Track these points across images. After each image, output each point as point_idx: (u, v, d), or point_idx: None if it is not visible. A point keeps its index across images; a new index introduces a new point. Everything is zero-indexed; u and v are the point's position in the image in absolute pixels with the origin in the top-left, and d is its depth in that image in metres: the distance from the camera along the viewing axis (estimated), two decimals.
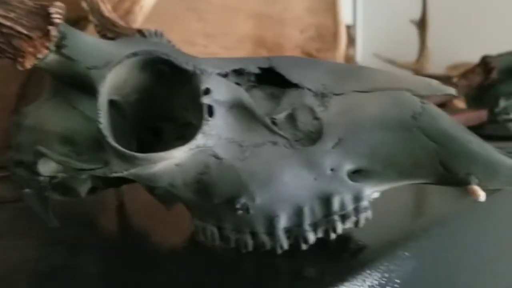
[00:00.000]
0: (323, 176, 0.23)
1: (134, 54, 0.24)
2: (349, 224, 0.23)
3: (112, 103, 0.26)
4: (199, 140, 0.23)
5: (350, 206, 0.23)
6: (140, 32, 0.34)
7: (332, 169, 0.23)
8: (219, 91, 0.23)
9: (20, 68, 0.25)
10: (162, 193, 0.25)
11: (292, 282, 0.22)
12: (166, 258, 0.26)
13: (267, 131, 0.23)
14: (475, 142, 0.22)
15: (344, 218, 0.23)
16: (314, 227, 0.23)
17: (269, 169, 0.23)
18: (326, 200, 0.23)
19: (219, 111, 0.23)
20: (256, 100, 0.24)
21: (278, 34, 0.77)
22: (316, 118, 0.23)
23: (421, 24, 0.95)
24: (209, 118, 0.23)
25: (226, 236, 0.23)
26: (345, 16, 1.15)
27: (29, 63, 0.24)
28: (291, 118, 0.24)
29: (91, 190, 0.29)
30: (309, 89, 0.24)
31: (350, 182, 0.23)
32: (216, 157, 0.23)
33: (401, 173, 0.23)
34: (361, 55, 1.17)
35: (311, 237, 0.23)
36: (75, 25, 0.55)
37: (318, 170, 0.23)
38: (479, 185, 0.22)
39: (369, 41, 1.17)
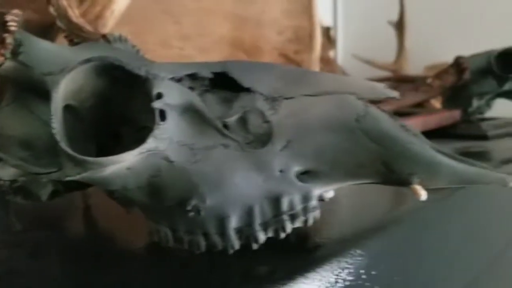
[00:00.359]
0: (272, 178, 0.23)
1: (87, 61, 0.24)
2: (298, 224, 0.24)
3: (69, 108, 0.26)
4: (150, 143, 0.23)
5: (298, 206, 0.23)
6: (104, 37, 0.34)
7: (281, 171, 0.23)
8: (171, 96, 0.24)
9: None
10: (119, 197, 0.25)
11: (244, 281, 0.23)
12: (126, 259, 0.26)
13: (218, 134, 0.24)
14: (416, 143, 0.23)
15: (293, 217, 0.23)
16: (264, 226, 0.23)
17: (219, 171, 0.23)
18: (275, 201, 0.23)
19: (171, 115, 0.24)
20: (209, 104, 0.25)
21: (255, 36, 0.77)
22: (266, 121, 0.24)
23: (399, 25, 0.96)
24: (161, 122, 0.24)
25: (179, 238, 0.24)
26: (325, 17, 1.16)
27: None
28: (242, 122, 0.24)
29: (53, 193, 0.30)
30: (261, 93, 0.25)
31: (299, 183, 0.23)
32: (168, 160, 0.23)
33: (346, 173, 0.23)
34: (342, 56, 1.18)
35: (261, 237, 0.23)
36: (49, 29, 0.55)
37: (267, 171, 0.23)
38: (420, 184, 0.23)
39: (349, 42, 1.18)
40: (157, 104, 0.23)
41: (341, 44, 1.19)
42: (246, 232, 0.23)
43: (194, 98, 0.24)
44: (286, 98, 0.24)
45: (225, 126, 0.24)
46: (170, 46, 0.68)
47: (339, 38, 1.20)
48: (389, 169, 0.23)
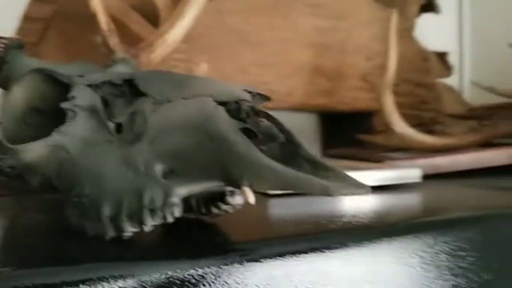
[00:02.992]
0: (138, 173, 0.25)
1: (31, 72, 0.30)
2: (157, 219, 0.25)
3: (38, 111, 0.32)
4: (55, 137, 0.27)
5: (159, 202, 0.25)
6: (112, 58, 0.41)
7: (145, 167, 0.25)
8: (81, 98, 0.28)
9: None
10: (45, 184, 0.30)
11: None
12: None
13: (107, 132, 0.27)
14: (243, 145, 0.22)
15: (152, 212, 0.25)
16: (130, 218, 0.25)
17: (99, 164, 0.26)
18: (139, 195, 0.25)
19: (80, 115, 0.28)
20: (118, 106, 0.28)
21: (339, 62, 0.77)
22: (145, 122, 0.26)
23: None
24: (69, 120, 0.28)
25: (75, 224, 0.27)
26: (449, 43, 1.08)
27: None
28: (131, 121, 0.27)
29: None
30: (153, 97, 0.27)
31: (161, 180, 0.25)
32: (67, 152, 0.27)
33: (201, 174, 0.24)
34: (464, 82, 1.07)
35: (128, 228, 0.25)
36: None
37: (134, 166, 0.25)
38: (250, 187, 0.22)
39: (475, 69, 1.07)
40: (64, 105, 0.28)
41: (467, 71, 1.08)
42: (116, 221, 0.25)
43: (97, 101, 0.28)
44: (169, 101, 0.26)
45: (119, 125, 0.27)
46: (247, 73, 0.72)
47: (465, 64, 1.09)
48: (226, 170, 0.23)
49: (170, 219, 0.25)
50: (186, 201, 0.31)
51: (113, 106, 0.28)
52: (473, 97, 0.97)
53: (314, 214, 0.35)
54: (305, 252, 0.27)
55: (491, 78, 0.91)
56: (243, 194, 0.22)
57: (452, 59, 1.00)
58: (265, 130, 0.24)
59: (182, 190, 0.25)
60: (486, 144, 0.64)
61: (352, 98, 0.79)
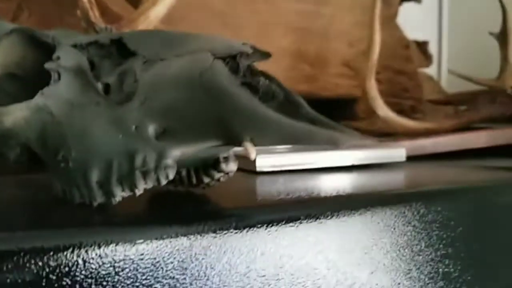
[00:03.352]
0: (128, 134, 0.24)
1: (7, 33, 0.28)
2: (150, 182, 0.24)
3: (15, 77, 0.30)
4: (38, 99, 0.26)
5: (151, 164, 0.23)
6: (94, 28, 0.39)
7: (136, 127, 0.24)
8: (66, 59, 0.26)
9: None
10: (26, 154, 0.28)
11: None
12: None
13: (95, 93, 0.25)
14: (244, 97, 0.21)
15: (145, 174, 0.23)
16: (120, 181, 0.24)
17: (86, 126, 0.25)
18: (130, 156, 0.24)
19: (64, 76, 0.26)
20: (106, 67, 0.27)
21: (321, 48, 0.77)
22: (136, 81, 0.25)
23: (502, 37, 0.86)
24: (54, 81, 0.26)
25: (62, 190, 0.26)
26: (428, 32, 1.09)
27: None
28: (119, 81, 0.25)
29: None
30: (143, 56, 0.26)
31: (153, 141, 0.24)
32: (51, 114, 0.26)
33: (197, 133, 0.23)
34: (442, 71, 1.08)
35: (118, 192, 0.24)
36: None
37: (125, 127, 0.24)
38: (252, 142, 0.21)
39: (455, 59, 1.08)
40: (48, 65, 0.26)
41: (445, 60, 1.10)
42: (106, 186, 0.24)
43: (83, 61, 0.26)
44: (162, 60, 0.25)
45: (107, 85, 0.26)
46: None
47: (443, 53, 1.10)
48: (225, 126, 0.21)
49: (163, 182, 0.23)
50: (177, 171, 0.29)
51: (101, 67, 0.27)
52: (450, 86, 0.98)
53: (304, 187, 0.34)
54: (299, 219, 0.26)
55: (468, 67, 0.92)
56: (244, 150, 0.21)
57: (431, 48, 1.01)
58: (264, 88, 0.23)
59: (176, 151, 0.23)
60: (467, 128, 0.65)
61: (334, 84, 0.79)
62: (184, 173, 0.29)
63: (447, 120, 0.65)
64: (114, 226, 0.24)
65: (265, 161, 0.40)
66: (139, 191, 0.24)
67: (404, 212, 0.31)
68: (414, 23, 0.96)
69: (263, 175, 0.40)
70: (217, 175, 0.28)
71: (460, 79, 0.92)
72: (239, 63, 0.24)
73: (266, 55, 0.25)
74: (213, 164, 0.28)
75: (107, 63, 0.27)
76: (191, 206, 0.28)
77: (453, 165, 0.52)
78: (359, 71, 0.69)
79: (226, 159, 0.27)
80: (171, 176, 0.23)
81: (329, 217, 0.27)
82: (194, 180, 0.29)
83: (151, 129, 0.24)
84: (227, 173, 0.28)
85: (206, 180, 0.28)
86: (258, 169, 0.40)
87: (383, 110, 0.64)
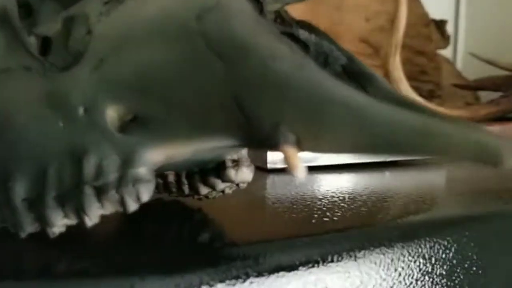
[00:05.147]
0: (73, 120, 0.14)
1: None
2: (109, 205, 0.14)
3: None
4: None
5: (111, 174, 0.14)
6: None
7: (85, 109, 0.14)
8: None
9: None
10: None
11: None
12: None
13: (23, 52, 0.15)
14: (288, 61, 0.11)
15: (100, 192, 0.14)
16: (61, 201, 0.14)
17: (9, 107, 0.15)
18: (76, 161, 0.14)
19: None
20: (44, 12, 0.17)
21: (334, 21, 0.66)
22: (89, 32, 0.15)
23: None
24: None
25: None
26: (445, 11, 0.99)
27: None
28: (65, 34, 0.15)
29: None
30: None
31: (115, 134, 0.14)
32: None
33: (190, 122, 0.13)
34: (458, 53, 0.99)
35: (57, 218, 0.14)
36: None
37: (67, 109, 0.14)
38: (298, 145, 0.11)
39: (472, 39, 0.99)
40: None
41: (461, 41, 1.00)
42: (37, 207, 0.14)
43: (9, 3, 0.16)
44: None
45: (46, 40, 0.16)
46: None
47: (460, 33, 1.00)
48: (244, 111, 0.12)
49: (132, 206, 0.14)
50: (160, 175, 0.20)
51: (39, 12, 0.17)
52: (466, 69, 0.89)
53: (325, 194, 0.25)
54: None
55: (487, 50, 0.83)
56: (286, 158, 0.11)
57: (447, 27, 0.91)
58: (313, 46, 0.14)
59: (155, 153, 0.14)
60: (502, 118, 0.56)
61: None
62: (171, 178, 0.19)
63: (481, 108, 0.56)
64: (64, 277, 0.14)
65: (278, 155, 0.31)
66: (90, 220, 0.14)
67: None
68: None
69: (275, 175, 0.30)
70: (221, 185, 0.18)
71: (477, 63, 0.82)
72: (262, 4, 0.14)
73: None
74: (216, 169, 0.18)
75: (49, 5, 0.17)
76: (184, 237, 0.18)
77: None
78: (379, 49, 0.60)
79: (237, 164, 0.17)
80: (145, 197, 0.14)
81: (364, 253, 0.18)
82: (186, 190, 0.19)
83: (111, 114, 0.14)
84: (237, 184, 0.18)
85: (204, 191, 0.19)
86: (269, 166, 0.30)
87: (409, 95, 0.55)
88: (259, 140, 0.12)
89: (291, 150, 0.11)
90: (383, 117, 0.10)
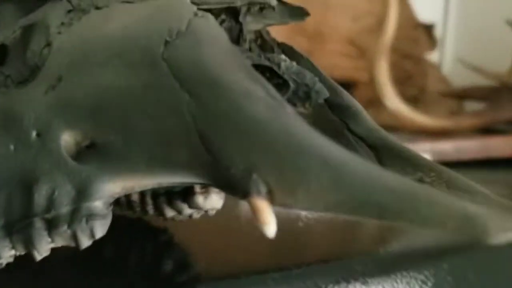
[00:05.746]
0: (25, 144, 0.13)
1: None
2: (60, 239, 0.13)
3: None
4: None
5: (64, 207, 0.12)
6: None
7: (38, 134, 0.13)
8: None
9: None
10: None
11: None
12: None
13: None
14: (261, 98, 0.10)
15: (52, 225, 0.12)
16: (9, 234, 0.13)
17: None
18: (26, 189, 0.12)
19: None
20: (4, 18, 0.15)
21: (321, 21, 0.65)
22: (48, 43, 0.13)
23: None
24: None
25: None
26: (433, 15, 0.98)
27: None
28: (22, 44, 0.14)
29: None
30: (68, 1, 0.14)
31: (69, 161, 0.12)
32: None
33: (150, 154, 0.12)
34: (449, 60, 0.99)
35: (4, 251, 0.13)
36: None
37: (19, 132, 0.13)
38: (268, 197, 0.10)
39: (460, 45, 0.98)
40: None
41: (449, 46, 1.00)
42: None
43: None
44: (98, 8, 0.13)
45: (5, 49, 0.14)
46: None
47: (448, 39, 1.00)
48: (210, 149, 0.11)
49: (84, 243, 0.13)
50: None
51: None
52: (453, 76, 0.89)
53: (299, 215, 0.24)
54: None
55: (476, 56, 0.83)
56: (255, 211, 0.10)
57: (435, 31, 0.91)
58: (295, 76, 0.12)
59: (112, 185, 0.12)
60: (487, 130, 0.56)
61: (332, 64, 0.68)
62: (135, 197, 0.18)
63: (465, 118, 0.55)
64: None
65: None
66: (39, 254, 0.13)
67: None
68: (418, 2, 0.86)
69: None
70: (188, 210, 0.17)
71: (465, 70, 0.82)
72: (242, 24, 0.13)
73: (299, 13, 0.14)
74: (184, 193, 0.17)
75: (8, 9, 0.15)
76: (152, 266, 0.17)
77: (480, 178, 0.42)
78: (365, 51, 0.59)
79: (206, 190, 0.16)
80: (99, 234, 0.12)
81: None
82: (150, 210, 0.18)
83: (67, 139, 0.13)
84: (206, 211, 0.17)
85: (170, 214, 0.18)
86: None
87: (393, 100, 0.54)
88: (227, 185, 0.11)
89: (262, 203, 0.10)
90: (363, 176, 0.09)
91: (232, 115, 0.10)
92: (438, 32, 0.94)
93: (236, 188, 0.10)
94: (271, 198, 0.10)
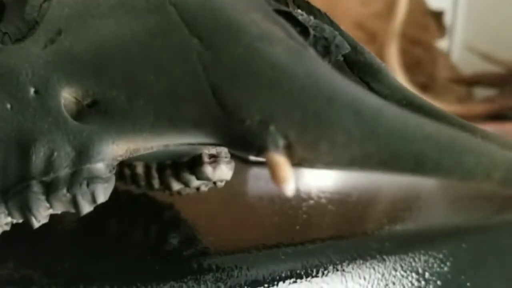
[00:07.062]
0: (22, 102, 0.12)
1: None
2: (60, 205, 0.12)
3: None
4: None
5: (64, 168, 0.11)
6: None
7: (36, 90, 0.12)
8: None
9: None
10: None
11: None
12: None
13: None
14: (283, 49, 0.09)
15: (50, 189, 0.12)
16: (5, 198, 0.12)
17: None
18: (23, 151, 0.12)
19: None
20: None
21: (329, 4, 0.64)
22: None
23: None
24: None
25: None
26: (436, 1, 0.97)
27: None
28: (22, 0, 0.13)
29: None
30: None
31: (70, 120, 0.12)
32: None
33: (156, 112, 0.11)
34: (454, 46, 0.97)
35: (2, 222, 0.12)
36: None
37: (15, 89, 0.12)
38: (288, 152, 0.09)
39: (469, 32, 0.97)
40: None
41: (458, 33, 0.98)
42: None
43: None
44: None
45: (2, 5, 0.13)
46: None
47: (457, 26, 0.99)
48: (222, 102, 0.10)
49: (85, 209, 0.12)
50: (128, 165, 0.18)
51: None
52: (462, 63, 0.87)
53: (311, 193, 0.23)
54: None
55: (485, 44, 0.81)
56: (272, 167, 0.09)
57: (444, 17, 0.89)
58: (313, 30, 0.11)
59: (115, 147, 0.12)
60: (498, 116, 0.54)
61: None
62: (140, 169, 0.17)
63: (477, 105, 0.54)
64: None
65: None
66: (37, 221, 0.12)
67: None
68: None
69: (258, 168, 0.28)
70: (195, 182, 0.16)
71: (474, 57, 0.81)
72: None
73: None
74: (191, 164, 0.16)
75: None
76: (157, 241, 0.16)
77: None
78: (375, 36, 0.57)
79: (215, 160, 0.15)
80: (102, 198, 0.12)
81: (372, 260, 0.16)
82: (156, 184, 0.17)
83: (67, 97, 0.12)
84: (214, 183, 0.16)
85: (176, 187, 0.17)
86: (252, 157, 0.28)
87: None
88: (241, 141, 0.10)
89: (280, 158, 0.09)
90: (401, 123, 0.08)
91: (248, 60, 0.09)
92: (447, 19, 0.92)
93: (251, 143, 0.09)
94: (290, 152, 0.09)
